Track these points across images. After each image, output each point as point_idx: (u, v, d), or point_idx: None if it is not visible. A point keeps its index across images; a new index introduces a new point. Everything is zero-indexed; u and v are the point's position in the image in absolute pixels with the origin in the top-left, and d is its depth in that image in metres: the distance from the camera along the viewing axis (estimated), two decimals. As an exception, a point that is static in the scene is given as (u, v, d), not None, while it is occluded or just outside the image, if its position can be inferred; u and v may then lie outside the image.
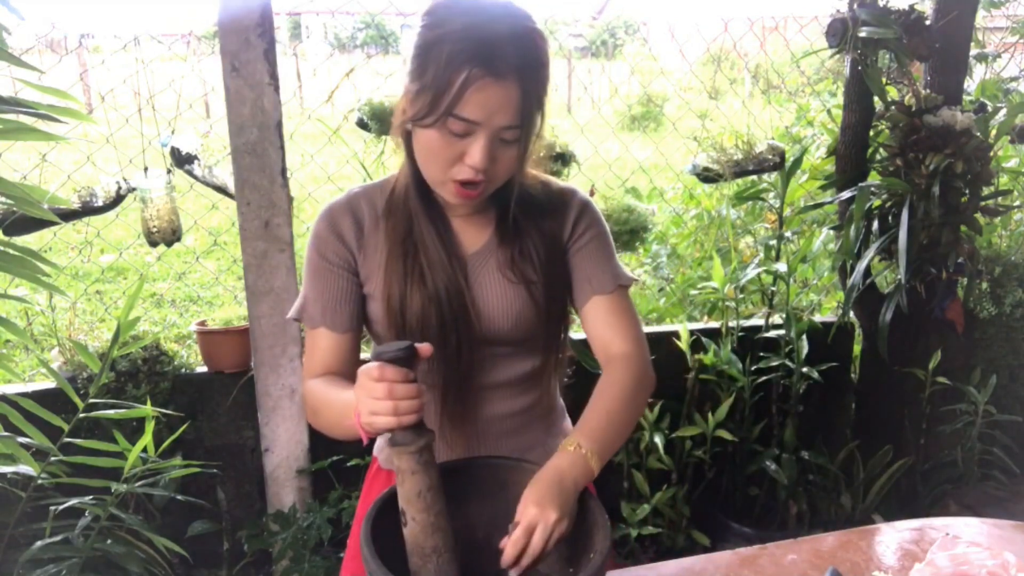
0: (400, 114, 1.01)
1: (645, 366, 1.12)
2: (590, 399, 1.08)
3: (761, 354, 2.39)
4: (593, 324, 1.14)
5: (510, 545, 0.89)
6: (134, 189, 2.07)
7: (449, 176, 0.98)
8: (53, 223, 1.77)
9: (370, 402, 0.86)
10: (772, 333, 2.43)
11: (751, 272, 2.44)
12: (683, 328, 2.35)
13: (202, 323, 2.20)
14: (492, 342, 1.11)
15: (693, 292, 2.80)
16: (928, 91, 2.27)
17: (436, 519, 0.90)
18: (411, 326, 1.06)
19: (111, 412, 1.67)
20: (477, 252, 1.11)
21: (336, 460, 2.14)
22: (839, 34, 2.12)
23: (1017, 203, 2.78)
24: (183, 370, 2.17)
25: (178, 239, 2.13)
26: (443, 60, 0.91)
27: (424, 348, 0.90)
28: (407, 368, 0.87)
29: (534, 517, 0.90)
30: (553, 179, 1.16)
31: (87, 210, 2.01)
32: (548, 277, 1.11)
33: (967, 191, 2.13)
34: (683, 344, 2.33)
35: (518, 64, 0.92)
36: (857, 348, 2.69)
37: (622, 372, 1.09)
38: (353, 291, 1.11)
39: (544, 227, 1.11)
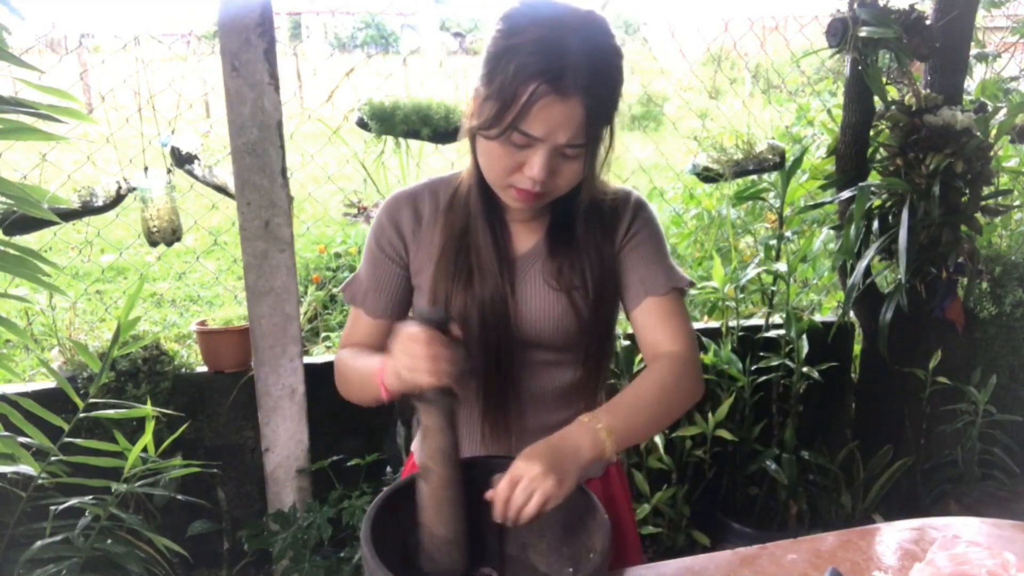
0: (468, 116, 1.00)
1: (690, 369, 1.08)
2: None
3: (761, 354, 2.39)
4: (643, 327, 1.11)
5: (496, 497, 0.89)
6: (134, 189, 2.07)
7: (508, 183, 0.99)
8: (53, 223, 1.77)
9: (409, 359, 0.89)
10: (772, 333, 2.43)
11: (751, 272, 2.44)
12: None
13: (202, 323, 2.20)
14: (532, 346, 1.11)
15: (693, 292, 2.80)
16: (928, 91, 2.27)
17: (455, 473, 0.95)
18: None
19: (111, 412, 1.68)
20: (525, 254, 1.11)
21: (336, 460, 2.14)
22: (839, 34, 2.12)
23: (1017, 203, 2.78)
24: (183, 370, 2.17)
25: (178, 239, 2.13)
26: (511, 72, 0.90)
27: (456, 328, 0.94)
28: (445, 333, 0.92)
29: (519, 470, 0.89)
30: (611, 184, 1.14)
31: (87, 210, 2.01)
32: (596, 289, 1.09)
33: (967, 191, 2.13)
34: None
35: (587, 82, 0.90)
36: (857, 348, 2.69)
37: (663, 369, 1.06)
38: (396, 283, 1.14)
39: (601, 241, 1.10)
